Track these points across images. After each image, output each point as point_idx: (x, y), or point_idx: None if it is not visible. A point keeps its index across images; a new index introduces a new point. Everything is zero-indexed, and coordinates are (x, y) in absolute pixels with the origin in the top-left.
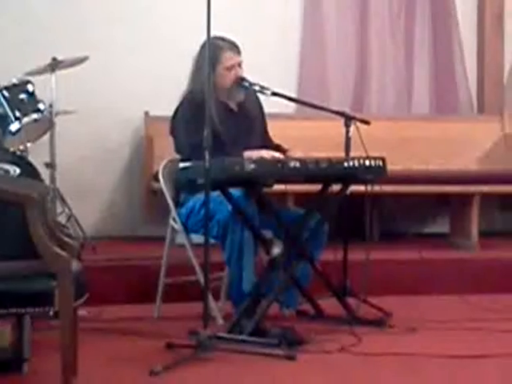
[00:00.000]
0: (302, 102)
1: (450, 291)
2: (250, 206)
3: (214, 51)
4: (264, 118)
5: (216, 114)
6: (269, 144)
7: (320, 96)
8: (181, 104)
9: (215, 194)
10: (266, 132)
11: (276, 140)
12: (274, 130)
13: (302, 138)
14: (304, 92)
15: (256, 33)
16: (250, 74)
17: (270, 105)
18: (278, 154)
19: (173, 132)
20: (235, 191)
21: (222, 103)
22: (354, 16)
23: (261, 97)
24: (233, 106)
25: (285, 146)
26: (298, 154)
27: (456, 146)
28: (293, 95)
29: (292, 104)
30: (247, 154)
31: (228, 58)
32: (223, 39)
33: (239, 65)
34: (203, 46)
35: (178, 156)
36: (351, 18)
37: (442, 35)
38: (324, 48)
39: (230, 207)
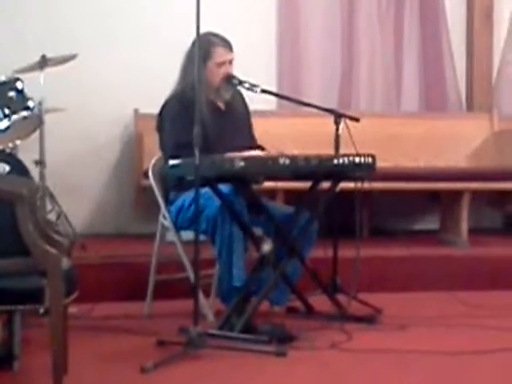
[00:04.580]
0: (291, 100)
1: (439, 288)
2: (239, 201)
3: (205, 46)
4: (249, 117)
5: (205, 112)
6: (253, 144)
7: (300, 92)
8: (169, 100)
9: (204, 189)
10: (250, 131)
11: (262, 137)
12: (261, 127)
13: (290, 135)
14: (284, 88)
15: (236, 29)
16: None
17: (250, 101)
18: (260, 154)
19: (159, 128)
20: (224, 187)
21: (210, 102)
22: (341, 11)
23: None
24: (220, 105)
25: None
26: (273, 151)
27: (445, 144)
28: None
29: (273, 100)
30: (230, 155)
31: (219, 53)
32: (215, 35)
33: (230, 62)
34: (195, 42)
35: (161, 152)
36: (338, 13)
37: (430, 32)
38: (305, 44)
39: (218, 202)
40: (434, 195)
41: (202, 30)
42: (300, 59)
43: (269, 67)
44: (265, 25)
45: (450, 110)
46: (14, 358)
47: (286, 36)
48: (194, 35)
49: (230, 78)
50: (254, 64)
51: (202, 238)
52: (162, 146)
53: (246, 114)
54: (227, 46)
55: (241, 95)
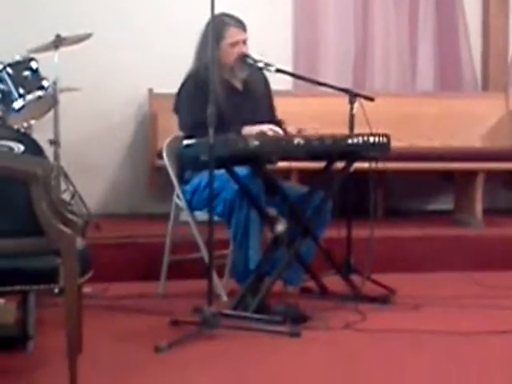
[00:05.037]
0: (306, 79)
1: (453, 268)
2: (256, 185)
3: (219, 27)
4: (270, 95)
5: (220, 92)
6: (274, 121)
7: (316, 72)
8: (185, 81)
9: (221, 171)
10: (271, 110)
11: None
12: (277, 107)
13: (305, 114)
14: (300, 68)
15: (251, 8)
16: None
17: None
18: (277, 129)
19: (176, 109)
20: (241, 170)
21: (226, 81)
22: None
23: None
24: (237, 84)
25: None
26: (291, 127)
27: (460, 123)
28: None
29: (290, 80)
30: (247, 129)
31: (233, 34)
32: (229, 16)
33: (244, 42)
34: (209, 23)
35: (181, 133)
36: None
37: (446, 11)
38: (321, 24)
39: (236, 185)
40: (449, 175)
41: (217, 11)
42: (316, 39)
43: (285, 47)
44: (281, 5)
45: (465, 89)
46: (29, 337)
47: (302, 16)
48: (208, 16)
49: (244, 58)
50: (270, 44)
51: (216, 218)
52: (181, 126)
53: (267, 92)
54: (240, 26)
55: (262, 74)
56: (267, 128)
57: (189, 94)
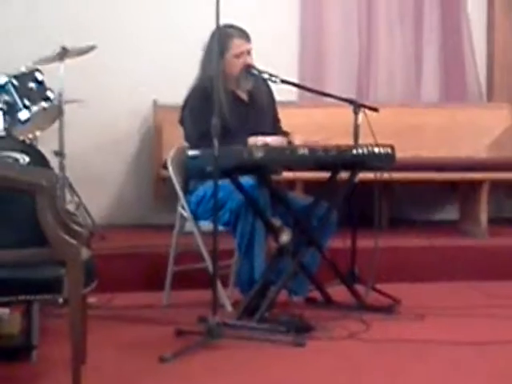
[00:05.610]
0: (310, 90)
1: (459, 278)
2: (262, 196)
3: (223, 38)
4: (275, 106)
5: (225, 103)
6: (278, 132)
7: (321, 82)
8: (190, 93)
9: (227, 181)
10: (276, 120)
11: (284, 127)
12: (282, 118)
13: (310, 125)
14: (306, 79)
15: (257, 19)
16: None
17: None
18: (282, 140)
19: (182, 121)
20: (246, 180)
21: (231, 92)
22: (360, 2)
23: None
24: (243, 95)
25: (288, 130)
26: (299, 137)
27: (465, 133)
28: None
29: (295, 91)
30: (252, 139)
31: (237, 45)
32: (233, 26)
33: (248, 52)
34: (213, 34)
35: (186, 144)
36: (357, 3)
37: (451, 22)
38: (327, 35)
39: (241, 195)
40: (454, 185)
41: (223, 22)
42: (321, 51)
43: (291, 59)
44: (288, 17)
45: (470, 100)
46: (33, 347)
47: (308, 28)
48: (213, 26)
49: (248, 68)
50: (276, 55)
51: (220, 228)
52: (187, 137)
53: (272, 103)
54: (244, 36)
55: (267, 85)
56: (271, 139)
57: (194, 106)
